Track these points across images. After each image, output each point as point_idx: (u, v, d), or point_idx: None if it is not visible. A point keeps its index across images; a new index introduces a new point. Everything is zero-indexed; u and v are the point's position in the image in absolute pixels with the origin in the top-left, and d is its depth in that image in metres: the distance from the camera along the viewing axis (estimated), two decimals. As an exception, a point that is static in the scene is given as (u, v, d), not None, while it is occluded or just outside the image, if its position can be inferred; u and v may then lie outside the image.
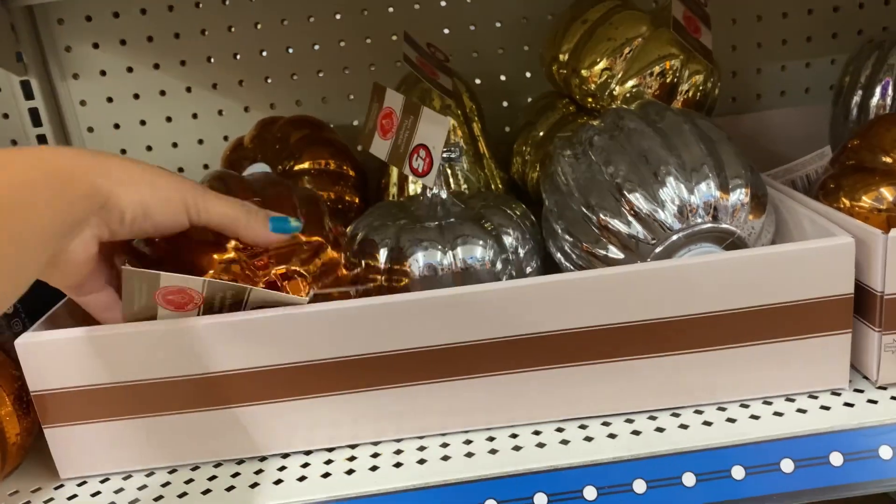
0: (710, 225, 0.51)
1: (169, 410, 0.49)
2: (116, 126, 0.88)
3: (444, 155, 0.60)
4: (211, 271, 0.51)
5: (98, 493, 0.49)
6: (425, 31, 0.86)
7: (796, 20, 0.89)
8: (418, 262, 0.55)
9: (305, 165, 0.76)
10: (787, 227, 0.56)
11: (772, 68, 0.91)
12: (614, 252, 0.53)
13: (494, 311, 0.48)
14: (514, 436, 0.50)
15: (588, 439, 0.48)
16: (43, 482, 0.51)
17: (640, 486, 0.46)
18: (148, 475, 0.50)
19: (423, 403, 0.49)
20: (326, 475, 0.48)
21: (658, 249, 0.51)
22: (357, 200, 0.79)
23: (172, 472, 0.51)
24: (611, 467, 0.46)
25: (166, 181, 0.47)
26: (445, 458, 0.48)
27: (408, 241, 0.56)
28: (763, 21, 0.89)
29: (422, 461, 0.48)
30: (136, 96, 0.87)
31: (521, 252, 0.59)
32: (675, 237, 0.51)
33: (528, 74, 0.90)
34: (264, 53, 0.87)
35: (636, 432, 0.49)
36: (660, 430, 0.49)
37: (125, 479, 0.50)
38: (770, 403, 0.50)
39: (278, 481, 0.48)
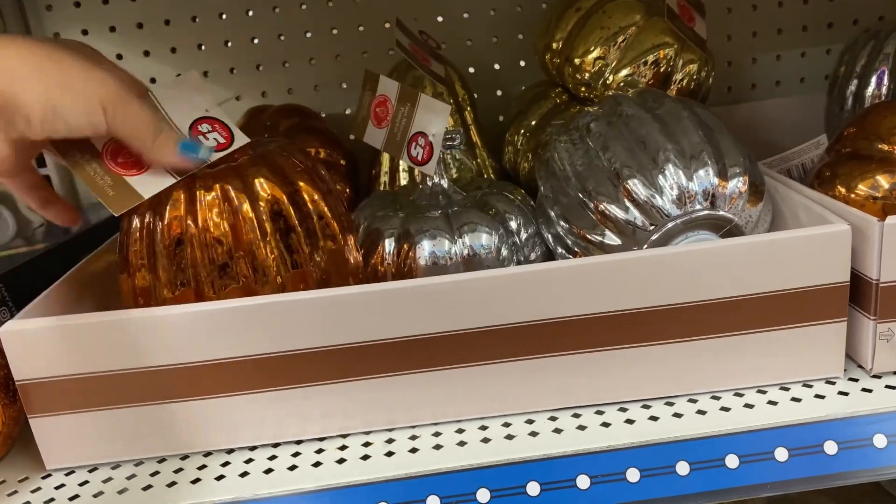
0: (707, 212, 0.51)
1: (157, 400, 0.48)
2: (106, 114, 0.86)
3: (446, 142, 0.59)
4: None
5: (86, 482, 0.48)
6: (419, 18, 0.86)
7: (792, 9, 0.88)
8: (425, 250, 0.55)
9: (297, 154, 0.75)
10: (783, 215, 0.56)
11: (767, 58, 0.90)
12: (611, 238, 0.52)
13: (485, 301, 0.47)
14: (506, 424, 0.49)
15: (581, 428, 0.48)
16: (30, 472, 0.50)
17: (633, 474, 0.45)
18: (137, 464, 0.50)
19: (414, 394, 0.49)
20: (317, 464, 0.48)
21: (655, 236, 0.51)
22: (347, 190, 0.78)
23: (161, 461, 0.50)
24: (604, 456, 0.46)
25: (83, 80, 0.42)
26: (437, 447, 0.48)
27: (415, 231, 0.56)
28: (758, 10, 0.88)
29: (413, 450, 0.48)
30: (126, 84, 0.86)
31: (524, 236, 0.59)
32: (672, 224, 0.51)
33: (522, 63, 0.89)
34: (256, 41, 0.86)
35: (630, 421, 0.48)
36: (654, 418, 0.48)
37: (114, 468, 0.50)
38: (764, 392, 0.50)
39: (268, 470, 0.48)
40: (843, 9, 0.89)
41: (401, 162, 0.75)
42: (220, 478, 0.47)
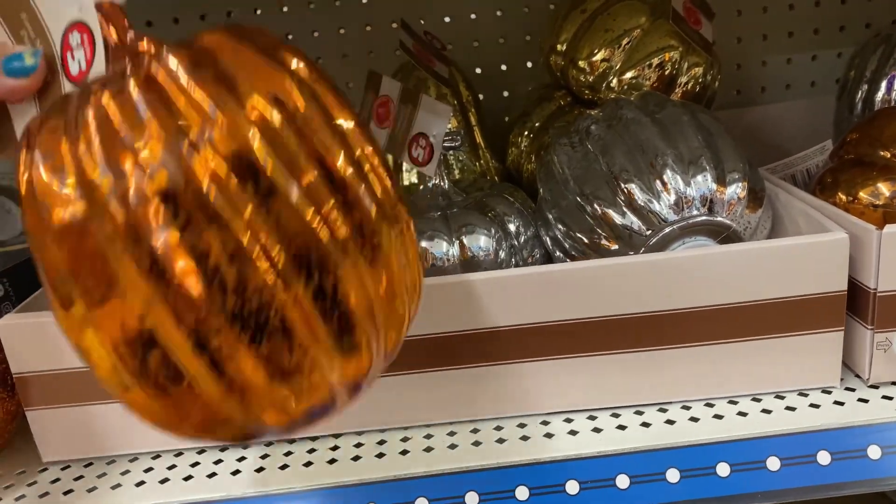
0: (705, 218, 0.50)
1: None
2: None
3: (446, 144, 0.59)
4: None
5: (81, 476, 0.49)
6: (426, 19, 0.86)
7: (803, 12, 0.87)
8: (423, 252, 0.55)
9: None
10: (783, 222, 0.55)
11: (777, 61, 0.89)
12: (607, 242, 0.52)
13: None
14: (498, 428, 0.49)
15: (573, 433, 0.48)
16: (27, 465, 0.51)
17: (623, 481, 0.45)
18: (132, 460, 0.50)
19: (420, 396, 0.49)
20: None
21: (652, 241, 0.50)
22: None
23: (156, 457, 0.50)
24: (594, 462, 0.46)
25: None
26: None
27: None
28: (769, 12, 0.87)
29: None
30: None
31: (523, 239, 0.58)
32: (669, 229, 0.50)
33: (528, 64, 0.89)
34: (263, 39, 0.86)
35: (621, 427, 0.48)
36: (645, 424, 0.48)
37: (109, 463, 0.50)
38: (759, 400, 0.49)
39: (259, 469, 0.48)
40: (855, 12, 0.87)
41: (403, 162, 0.75)
42: (235, 473, 0.48)
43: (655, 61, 0.66)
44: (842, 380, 0.50)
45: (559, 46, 0.72)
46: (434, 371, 0.49)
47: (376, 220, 0.30)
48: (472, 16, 0.87)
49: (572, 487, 0.45)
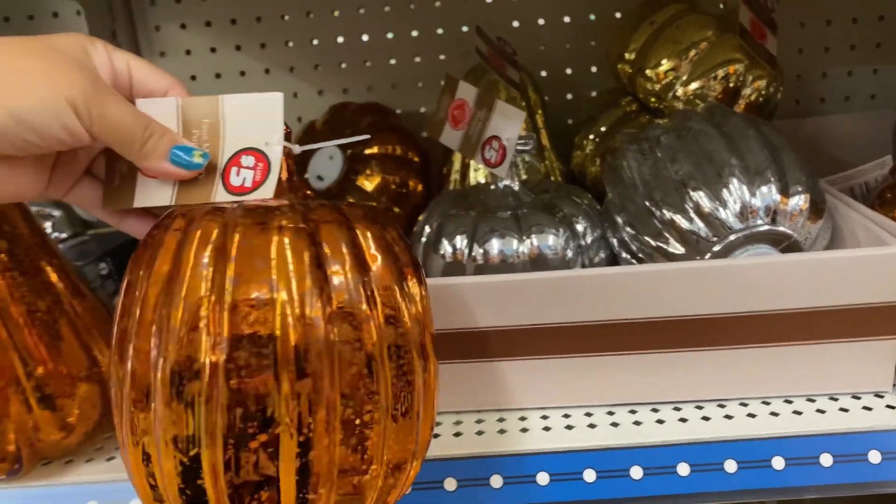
0: (768, 227, 0.53)
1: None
2: (198, 103, 0.93)
3: (519, 147, 0.63)
4: None
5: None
6: (495, 23, 0.89)
7: (866, 26, 0.89)
8: (495, 248, 0.58)
9: (374, 150, 0.80)
10: (842, 233, 0.58)
11: (838, 73, 0.91)
12: (674, 246, 0.55)
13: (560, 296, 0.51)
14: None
15: (636, 423, 0.52)
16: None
17: (683, 469, 0.49)
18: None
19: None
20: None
21: (717, 247, 0.54)
22: (420, 186, 0.82)
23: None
24: (656, 451, 0.49)
25: (45, 81, 0.36)
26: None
27: (485, 230, 0.59)
28: (832, 25, 0.89)
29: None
30: (218, 76, 0.92)
31: (590, 239, 0.62)
32: (734, 236, 0.54)
33: (593, 69, 0.92)
34: (340, 40, 0.91)
35: (683, 420, 0.52)
36: (706, 418, 0.51)
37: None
38: (814, 401, 0.52)
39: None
40: (918, 27, 0.89)
41: (472, 161, 0.79)
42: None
43: (721, 73, 0.69)
44: (894, 385, 0.52)
45: (628, 55, 0.75)
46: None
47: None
48: (541, 21, 0.90)
49: (589, 476, 0.49)
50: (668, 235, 0.56)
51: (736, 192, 0.53)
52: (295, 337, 0.34)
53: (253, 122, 0.42)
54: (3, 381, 0.47)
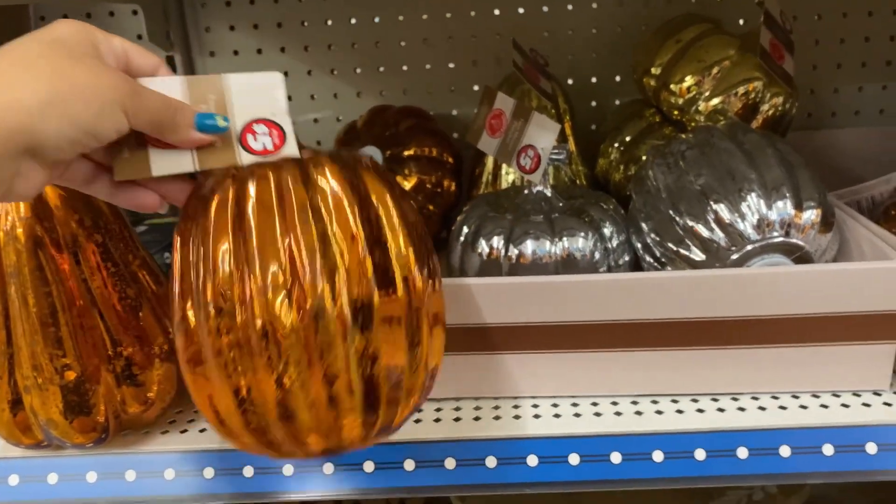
0: (782, 239, 0.59)
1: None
2: (243, 100, 0.98)
3: (553, 156, 0.68)
4: None
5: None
6: (527, 33, 0.94)
7: (877, 44, 0.94)
8: (529, 249, 0.64)
9: (412, 151, 0.85)
10: (849, 245, 0.63)
11: (849, 88, 0.96)
12: (696, 253, 0.61)
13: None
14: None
15: (659, 413, 0.57)
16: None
17: (700, 454, 0.55)
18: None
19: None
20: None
21: (735, 255, 0.59)
22: (454, 186, 0.88)
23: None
24: (676, 437, 0.55)
25: (98, 90, 0.40)
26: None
27: (521, 231, 0.65)
28: (845, 43, 0.94)
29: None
30: (263, 75, 0.97)
31: (615, 243, 0.67)
32: (751, 246, 0.59)
33: (617, 78, 0.97)
34: (379, 45, 0.96)
35: (700, 410, 0.57)
36: (721, 410, 0.57)
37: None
38: (818, 397, 0.58)
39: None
40: (927, 47, 0.94)
41: (502, 165, 0.85)
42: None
43: (741, 90, 0.74)
44: (891, 385, 0.58)
45: (654, 70, 0.80)
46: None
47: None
48: (570, 32, 0.95)
49: (658, 456, 0.55)
50: (689, 242, 0.61)
51: (754, 206, 0.59)
52: None
53: (257, 96, 0.47)
54: (98, 360, 0.53)
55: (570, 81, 0.97)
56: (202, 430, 0.59)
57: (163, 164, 0.45)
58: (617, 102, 0.97)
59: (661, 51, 0.80)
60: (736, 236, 0.59)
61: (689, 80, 0.77)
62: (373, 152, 0.86)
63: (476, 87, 0.97)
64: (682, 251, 0.62)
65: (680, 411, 0.57)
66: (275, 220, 0.42)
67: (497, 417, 0.58)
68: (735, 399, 0.59)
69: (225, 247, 0.42)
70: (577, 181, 0.86)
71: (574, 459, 0.55)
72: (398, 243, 0.44)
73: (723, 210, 0.60)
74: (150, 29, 0.89)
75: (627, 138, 0.83)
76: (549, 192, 0.72)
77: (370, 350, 0.42)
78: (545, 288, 0.57)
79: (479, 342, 0.59)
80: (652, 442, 0.55)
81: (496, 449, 0.56)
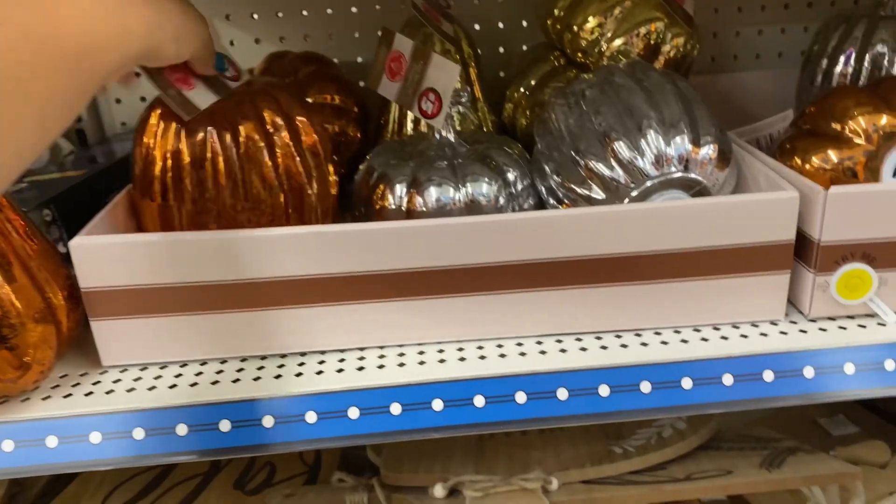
0: (681, 174, 0.59)
1: (205, 310, 0.56)
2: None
3: (454, 100, 0.66)
4: None
5: (139, 378, 0.57)
6: (431, -24, 0.91)
7: (775, -13, 0.95)
8: (433, 196, 0.62)
9: (312, 99, 0.82)
10: (747, 180, 0.64)
11: (749, 32, 0.98)
12: (597, 192, 0.60)
13: (497, 238, 0.55)
14: (499, 346, 0.58)
15: (563, 351, 0.57)
16: (88, 368, 0.58)
17: (604, 390, 0.55)
18: (182, 366, 0.58)
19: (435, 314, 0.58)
20: (361, 369, 0.56)
21: (634, 193, 0.59)
22: (358, 135, 0.85)
23: (204, 363, 0.58)
24: (582, 374, 0.55)
25: (194, 23, 0.50)
26: (441, 360, 0.57)
27: (424, 178, 0.63)
28: (745, -14, 0.95)
29: (422, 363, 0.57)
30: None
31: (520, 187, 0.66)
32: (650, 183, 0.59)
33: (524, 23, 0.95)
34: (277, -11, 0.91)
35: (604, 347, 0.57)
36: (624, 346, 0.57)
37: (162, 367, 0.58)
38: (718, 329, 0.59)
39: (298, 374, 0.56)
40: (822, -9, 0.96)
41: (408, 112, 0.82)
42: (256, 378, 0.56)
43: (642, 31, 0.74)
44: (787, 314, 0.59)
45: (557, 12, 0.79)
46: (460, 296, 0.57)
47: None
48: (474, -25, 0.93)
49: (562, 394, 0.55)
50: (591, 182, 0.60)
51: (653, 142, 0.58)
52: None
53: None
54: (-38, 322, 0.49)
55: (476, 27, 0.95)
56: (88, 394, 0.55)
57: (201, 98, 0.59)
58: (525, 48, 0.96)
59: (563, -8, 0.79)
60: (636, 173, 0.59)
61: (591, 22, 0.76)
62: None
63: (380, 35, 0.93)
64: (584, 191, 0.61)
65: (584, 349, 0.57)
66: None
67: (402, 364, 0.57)
68: (638, 335, 0.59)
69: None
70: (485, 128, 0.85)
71: (479, 401, 0.54)
72: None
73: (622, 148, 0.59)
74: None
75: (532, 82, 0.82)
76: (452, 138, 0.70)
77: None
78: (447, 230, 0.56)
79: (386, 289, 0.57)
80: (556, 380, 0.55)
81: (401, 395, 0.54)
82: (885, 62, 0.78)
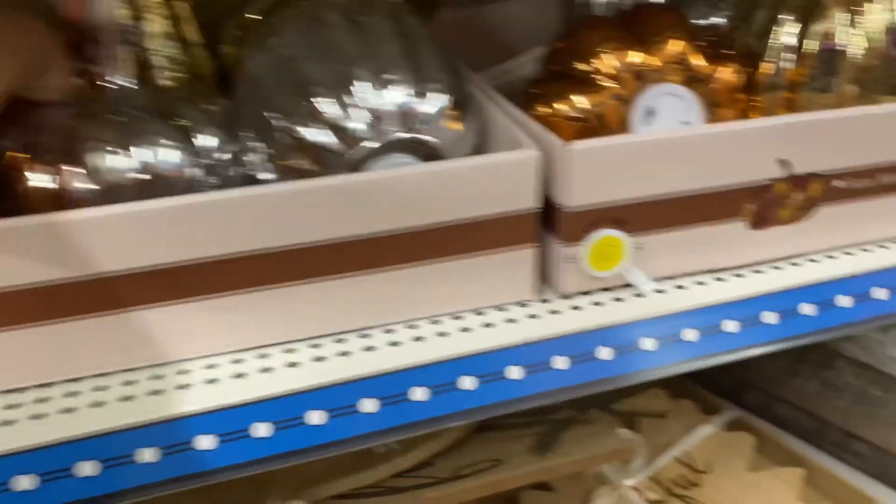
0: (401, 135, 0.48)
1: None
2: None
3: (122, 39, 0.51)
4: None
5: None
6: None
7: None
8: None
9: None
10: (490, 136, 0.54)
11: (512, -47, 0.87)
12: (306, 163, 0.48)
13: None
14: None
15: (266, 370, 0.45)
16: None
17: (316, 416, 0.43)
18: None
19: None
20: None
21: (349, 161, 0.47)
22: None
23: None
24: (285, 400, 0.43)
25: None
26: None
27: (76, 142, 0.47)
28: None
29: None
30: None
31: (220, 155, 0.52)
32: (365, 147, 0.47)
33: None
34: None
35: (320, 358, 0.46)
36: (344, 353, 0.46)
37: None
38: (460, 318, 0.49)
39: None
40: None
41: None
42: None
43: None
44: (539, 292, 0.51)
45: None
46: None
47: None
48: None
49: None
50: (297, 151, 0.48)
51: (364, 96, 0.47)
52: None
53: None
54: None
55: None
56: None
57: None
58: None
59: None
60: (346, 136, 0.47)
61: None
62: None
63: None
64: (293, 163, 0.48)
65: (293, 363, 0.45)
66: None
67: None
68: (365, 336, 0.48)
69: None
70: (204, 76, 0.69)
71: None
72: None
73: (326, 105, 0.47)
74: None
75: (252, 16, 0.67)
76: (125, 84, 0.54)
77: None
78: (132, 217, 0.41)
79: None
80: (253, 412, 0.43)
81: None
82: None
